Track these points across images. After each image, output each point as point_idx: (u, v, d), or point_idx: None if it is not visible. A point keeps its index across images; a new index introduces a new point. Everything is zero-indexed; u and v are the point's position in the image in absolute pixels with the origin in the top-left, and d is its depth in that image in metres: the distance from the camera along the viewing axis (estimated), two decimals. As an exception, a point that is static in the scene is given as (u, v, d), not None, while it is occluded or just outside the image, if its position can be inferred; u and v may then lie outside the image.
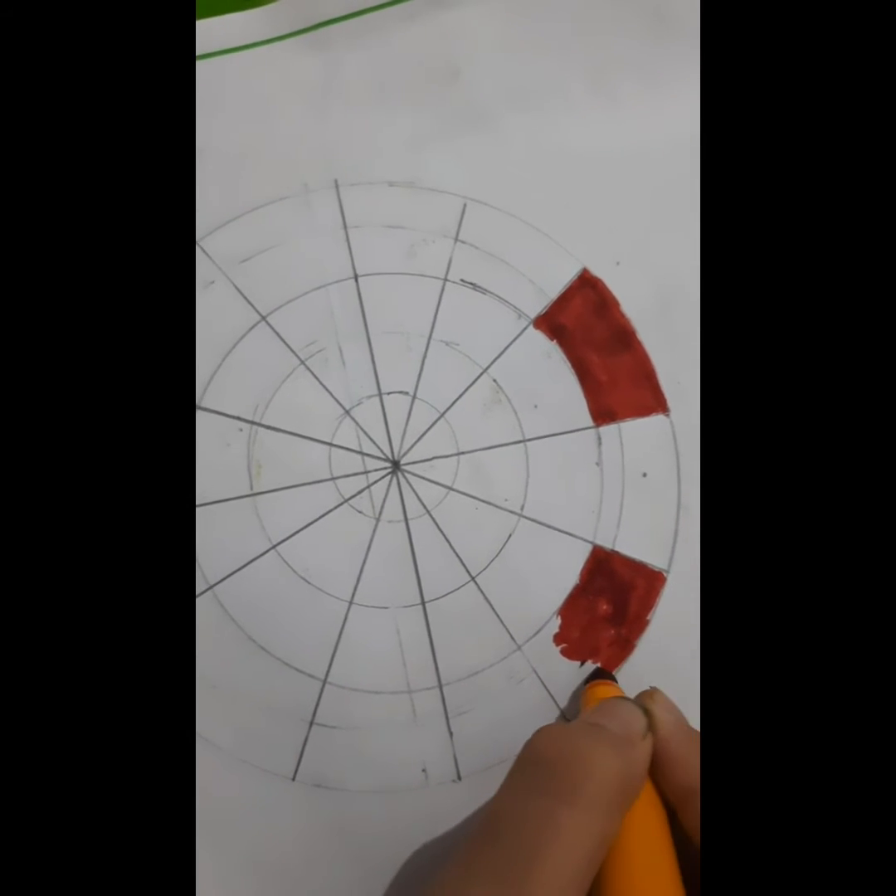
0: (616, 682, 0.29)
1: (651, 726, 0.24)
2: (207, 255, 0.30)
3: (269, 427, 0.30)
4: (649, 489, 0.30)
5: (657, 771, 0.23)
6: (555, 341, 0.31)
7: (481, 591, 0.29)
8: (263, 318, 0.30)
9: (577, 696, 0.29)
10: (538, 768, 0.22)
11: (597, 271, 0.32)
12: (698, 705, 0.24)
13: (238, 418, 0.30)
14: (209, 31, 0.32)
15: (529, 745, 0.23)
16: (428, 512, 0.30)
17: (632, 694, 0.26)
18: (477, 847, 0.21)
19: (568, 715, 0.29)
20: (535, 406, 0.31)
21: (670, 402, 0.31)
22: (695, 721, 0.25)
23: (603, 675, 0.29)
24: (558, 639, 0.29)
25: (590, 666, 0.29)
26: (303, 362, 0.30)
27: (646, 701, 0.24)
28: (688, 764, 0.23)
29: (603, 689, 0.28)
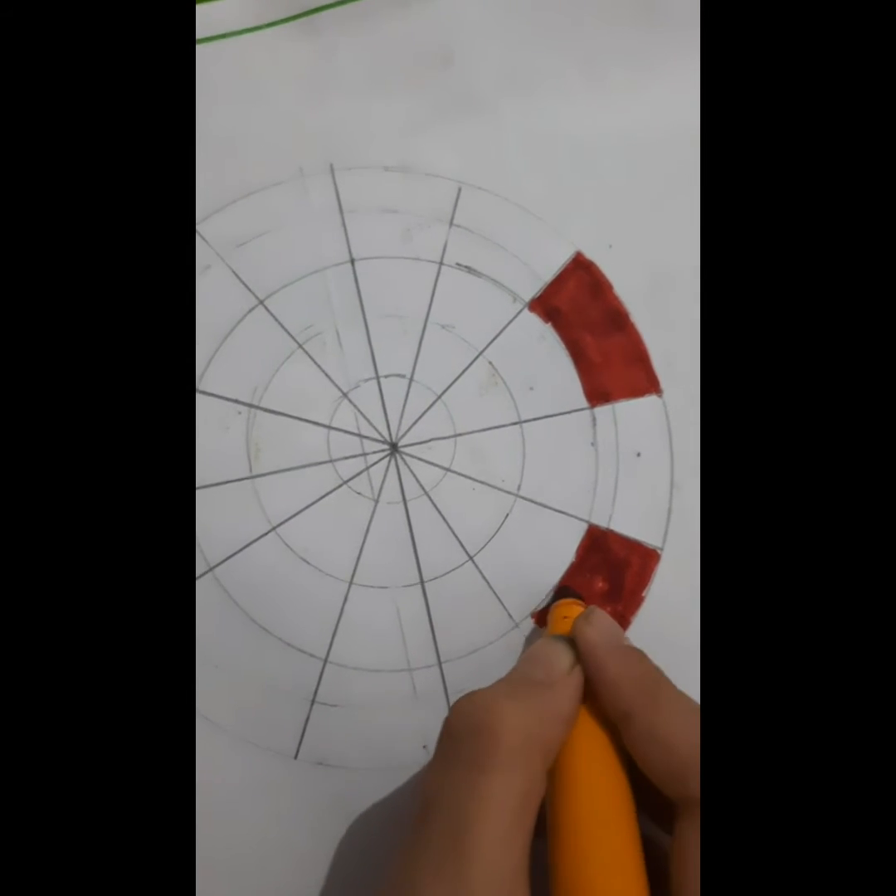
0: (582, 599, 0.29)
1: (578, 657, 0.24)
2: (204, 239, 0.31)
3: (267, 410, 0.30)
4: (643, 468, 0.31)
5: (595, 695, 0.24)
6: (549, 324, 0.31)
7: (479, 570, 0.30)
8: (261, 302, 0.30)
9: (546, 615, 0.29)
10: (453, 741, 0.22)
11: (590, 254, 0.32)
12: (694, 680, 0.24)
13: (237, 401, 0.30)
14: (204, 17, 0.32)
15: (445, 721, 0.23)
16: (426, 493, 0.30)
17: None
18: (414, 832, 0.22)
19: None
20: (531, 388, 0.31)
21: (663, 383, 0.31)
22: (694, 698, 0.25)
23: (568, 592, 0.29)
24: (555, 616, 0.30)
25: None
26: (300, 346, 0.30)
27: (579, 625, 0.25)
28: (622, 685, 0.23)
29: (568, 608, 0.28)
